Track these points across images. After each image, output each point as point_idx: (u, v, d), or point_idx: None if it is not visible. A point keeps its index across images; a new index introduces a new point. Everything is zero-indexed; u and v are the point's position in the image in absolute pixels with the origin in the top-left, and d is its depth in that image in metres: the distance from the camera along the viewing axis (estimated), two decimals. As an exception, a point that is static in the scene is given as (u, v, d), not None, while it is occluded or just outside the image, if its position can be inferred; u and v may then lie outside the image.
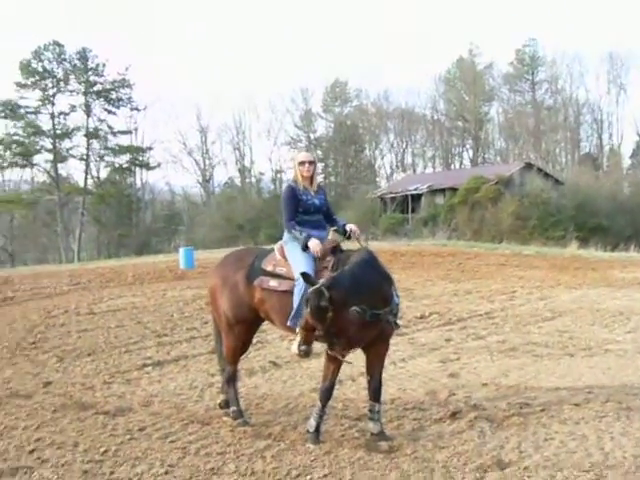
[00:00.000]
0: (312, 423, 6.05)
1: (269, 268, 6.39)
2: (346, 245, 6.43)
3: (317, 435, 6.01)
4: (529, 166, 52.20)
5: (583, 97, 71.65)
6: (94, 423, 6.64)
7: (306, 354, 6.17)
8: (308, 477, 5.15)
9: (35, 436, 6.23)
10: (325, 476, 5.16)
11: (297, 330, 6.12)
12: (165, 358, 9.77)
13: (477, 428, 6.31)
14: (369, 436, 6.07)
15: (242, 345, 6.80)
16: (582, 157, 68.99)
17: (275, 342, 10.48)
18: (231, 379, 6.80)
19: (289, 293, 6.12)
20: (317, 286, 5.42)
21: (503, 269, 22.80)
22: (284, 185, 7.29)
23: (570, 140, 71.52)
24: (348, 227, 6.46)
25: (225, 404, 6.80)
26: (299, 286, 5.97)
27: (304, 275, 5.61)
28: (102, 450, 5.82)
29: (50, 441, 6.08)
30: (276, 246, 6.58)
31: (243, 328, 6.62)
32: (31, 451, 5.83)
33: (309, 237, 6.21)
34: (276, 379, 8.48)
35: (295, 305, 6.03)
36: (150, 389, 8.09)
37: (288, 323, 6.14)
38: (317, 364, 8.56)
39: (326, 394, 6.08)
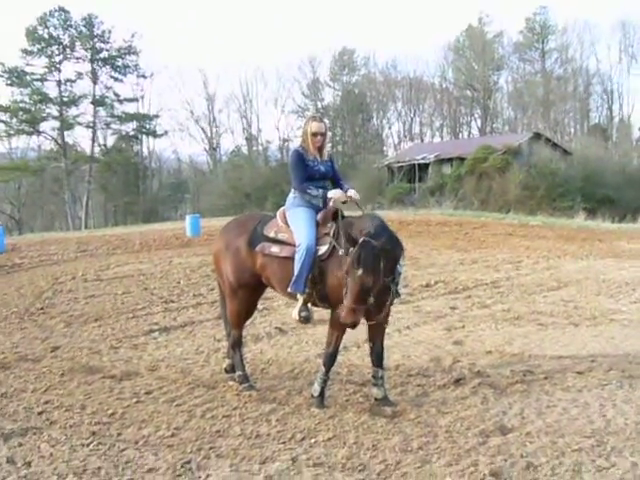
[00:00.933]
0: (316, 388, 6.11)
1: (271, 234, 6.37)
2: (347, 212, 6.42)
3: (321, 400, 6.08)
4: (537, 136, 51.83)
5: (593, 67, 71.00)
6: (101, 386, 6.73)
7: (306, 320, 6.25)
8: (312, 440, 5.21)
9: (44, 398, 6.32)
10: (329, 439, 5.22)
11: (298, 296, 6.18)
12: (172, 324, 9.85)
13: (480, 394, 6.37)
14: (373, 401, 6.14)
15: (246, 310, 6.83)
16: (591, 128, 68.48)
17: (281, 309, 10.53)
18: (236, 344, 6.84)
19: (290, 259, 6.11)
20: (362, 239, 5.37)
21: (510, 239, 22.76)
22: (291, 151, 7.27)
23: (579, 110, 70.96)
24: (349, 192, 6.35)
25: (231, 368, 6.86)
26: (300, 252, 5.98)
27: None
28: (109, 412, 5.90)
29: (58, 403, 6.17)
30: (278, 212, 6.55)
31: (246, 293, 6.63)
32: (40, 413, 5.92)
33: (326, 192, 6.28)
34: (282, 345, 8.55)
35: (296, 271, 6.02)
36: (157, 354, 8.17)
37: (289, 289, 6.15)
38: (322, 330, 8.58)
39: (330, 360, 6.13)
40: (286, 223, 6.34)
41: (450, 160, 51.38)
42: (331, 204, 6.32)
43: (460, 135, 73.83)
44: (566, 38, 71.29)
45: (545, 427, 5.47)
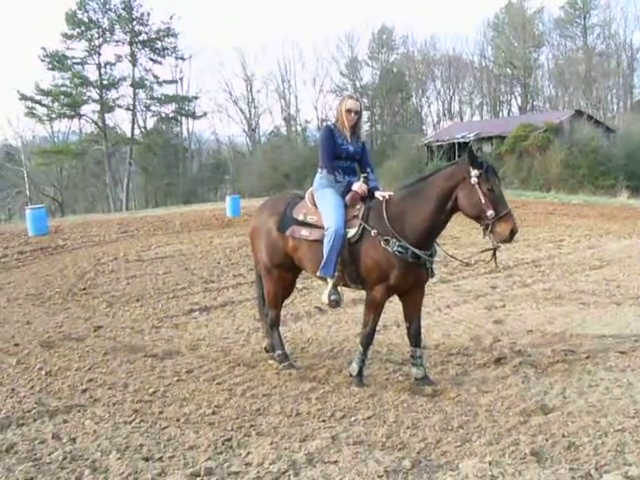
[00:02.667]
0: (354, 367, 6.13)
1: (300, 217, 6.32)
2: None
3: (360, 378, 6.09)
4: (579, 113, 50.94)
5: (638, 41, 69.59)
6: (143, 365, 6.82)
7: (336, 303, 6.22)
8: (352, 418, 5.22)
9: (87, 377, 6.42)
10: (369, 418, 5.22)
11: (327, 279, 6.15)
12: (212, 303, 9.93)
13: (521, 374, 6.33)
14: (413, 380, 6.13)
15: (283, 289, 6.82)
16: (635, 104, 66.93)
17: (320, 288, 10.49)
18: (274, 323, 6.86)
19: (320, 242, 6.05)
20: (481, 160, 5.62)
21: (551, 218, 22.52)
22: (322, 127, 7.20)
23: (622, 87, 69.46)
24: (377, 195, 6.13)
25: (271, 348, 6.89)
26: (329, 236, 5.91)
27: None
28: (151, 391, 5.98)
29: (101, 381, 6.27)
30: (307, 193, 6.46)
31: (281, 272, 6.64)
32: (84, 390, 6.02)
33: (351, 183, 6.17)
34: (321, 324, 8.57)
35: (325, 255, 5.97)
36: (197, 333, 8.25)
37: (318, 273, 6.12)
38: (362, 309, 8.60)
39: (367, 339, 6.14)
40: (315, 205, 6.27)
41: (490, 139, 50.82)
42: (355, 188, 6.13)
43: (500, 113, 72.82)
44: (609, 12, 69.81)
45: (587, 407, 5.42)
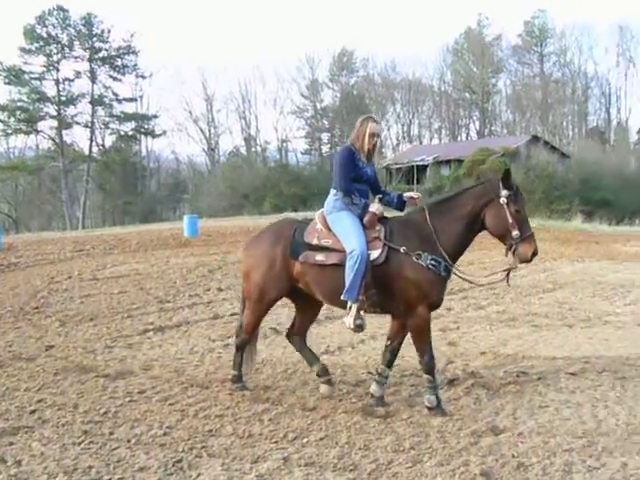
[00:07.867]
0: (432, 399, 5.91)
1: (314, 241, 6.08)
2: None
3: (441, 407, 5.91)
4: (536, 139, 51.95)
5: (592, 70, 71.44)
6: (94, 386, 6.70)
7: (361, 328, 6.00)
8: (305, 440, 5.20)
9: (36, 397, 6.29)
10: (321, 439, 5.21)
11: (349, 304, 5.92)
12: (167, 324, 9.84)
13: (473, 395, 6.39)
14: (366, 401, 6.13)
15: (261, 319, 6.70)
16: (589, 131, 68.77)
17: (276, 310, 10.47)
18: (242, 347, 6.68)
19: (338, 266, 5.87)
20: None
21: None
22: (340, 148, 6.92)
23: (578, 114, 71.10)
24: (408, 195, 6.24)
25: (322, 372, 6.57)
26: (354, 259, 5.70)
27: None
28: (102, 411, 5.87)
29: (51, 402, 6.14)
30: (317, 215, 6.27)
31: (271, 305, 6.51)
32: (32, 411, 5.88)
33: (367, 205, 6.09)
34: (276, 345, 8.52)
35: (349, 279, 5.75)
36: (151, 353, 8.16)
37: (342, 297, 5.85)
38: (315, 331, 8.63)
39: (429, 364, 6.00)
40: (327, 228, 6.08)
41: (448, 162, 51.52)
42: (376, 206, 6.07)
43: (458, 137, 73.92)
44: (564, 41, 71.67)
45: (537, 427, 5.48)
